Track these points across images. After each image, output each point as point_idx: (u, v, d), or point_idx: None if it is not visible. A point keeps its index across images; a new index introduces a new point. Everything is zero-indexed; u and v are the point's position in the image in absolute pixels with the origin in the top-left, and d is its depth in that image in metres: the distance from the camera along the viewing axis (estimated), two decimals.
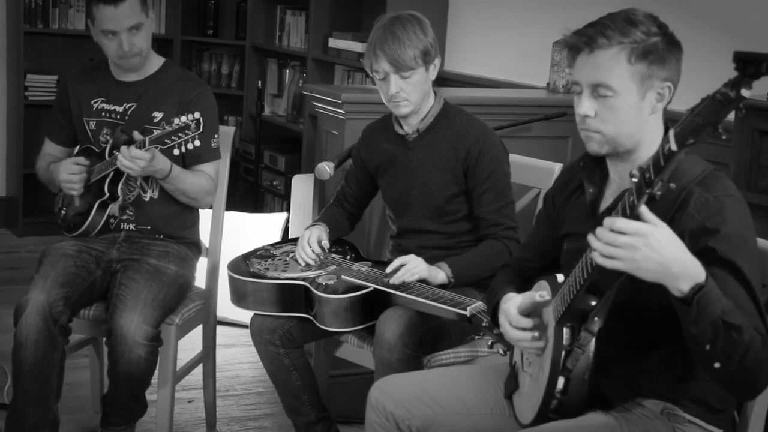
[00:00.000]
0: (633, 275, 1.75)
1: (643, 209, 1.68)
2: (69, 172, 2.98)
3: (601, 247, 1.71)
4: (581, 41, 1.92)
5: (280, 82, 5.96)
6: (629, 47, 1.89)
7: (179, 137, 2.79)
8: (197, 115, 2.80)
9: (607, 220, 1.70)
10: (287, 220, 4.48)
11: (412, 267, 2.66)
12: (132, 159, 2.81)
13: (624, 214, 1.71)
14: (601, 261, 1.72)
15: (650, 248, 1.67)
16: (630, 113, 1.92)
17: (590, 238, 1.73)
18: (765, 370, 1.79)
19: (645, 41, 1.89)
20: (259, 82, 5.68)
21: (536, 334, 2.01)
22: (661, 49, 1.90)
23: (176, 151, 2.83)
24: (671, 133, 1.60)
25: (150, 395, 3.00)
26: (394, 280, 2.65)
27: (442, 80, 4.43)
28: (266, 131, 5.71)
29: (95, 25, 2.98)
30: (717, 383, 1.84)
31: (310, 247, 2.88)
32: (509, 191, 2.84)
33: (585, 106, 1.94)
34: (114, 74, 3.10)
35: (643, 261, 1.69)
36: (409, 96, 2.79)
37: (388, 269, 2.69)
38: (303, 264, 2.87)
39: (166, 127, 2.82)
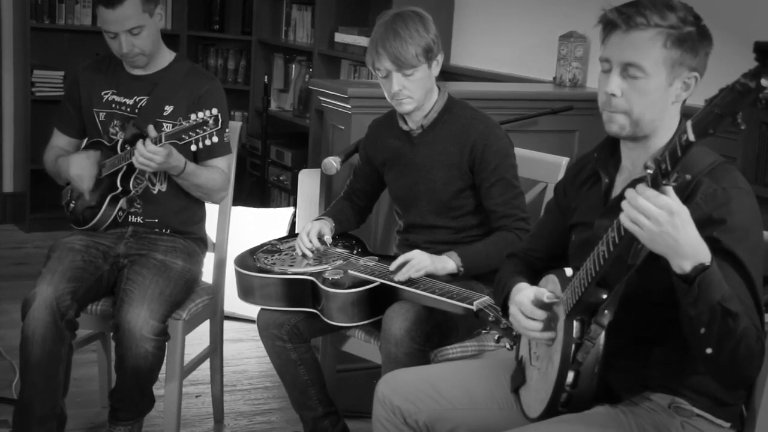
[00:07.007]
0: (641, 270, 1.74)
1: (670, 191, 1.67)
2: (81, 167, 2.99)
3: (629, 210, 1.70)
4: (620, 18, 1.92)
5: (287, 77, 5.96)
6: (666, 32, 1.89)
7: (197, 133, 2.80)
8: (215, 111, 2.80)
9: (640, 188, 1.69)
10: (294, 215, 4.48)
11: (416, 263, 2.66)
12: (149, 155, 2.81)
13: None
14: (623, 219, 1.71)
15: (672, 226, 1.67)
16: (656, 97, 1.92)
17: (627, 192, 1.71)
18: (755, 363, 1.80)
19: (681, 28, 1.90)
20: (266, 77, 5.69)
21: (547, 324, 2.01)
22: (695, 39, 1.91)
23: (193, 147, 2.85)
24: (689, 123, 1.59)
25: (157, 390, 3.00)
26: (399, 276, 2.65)
27: (448, 74, 4.42)
28: (273, 126, 5.71)
29: (100, 25, 3.00)
30: (707, 370, 1.84)
31: (310, 240, 2.88)
32: (518, 182, 2.84)
33: (613, 84, 1.93)
34: (126, 67, 3.11)
35: (659, 236, 1.68)
36: (412, 93, 2.78)
37: (392, 266, 2.69)
38: (299, 253, 2.87)
39: (183, 122, 2.82)
